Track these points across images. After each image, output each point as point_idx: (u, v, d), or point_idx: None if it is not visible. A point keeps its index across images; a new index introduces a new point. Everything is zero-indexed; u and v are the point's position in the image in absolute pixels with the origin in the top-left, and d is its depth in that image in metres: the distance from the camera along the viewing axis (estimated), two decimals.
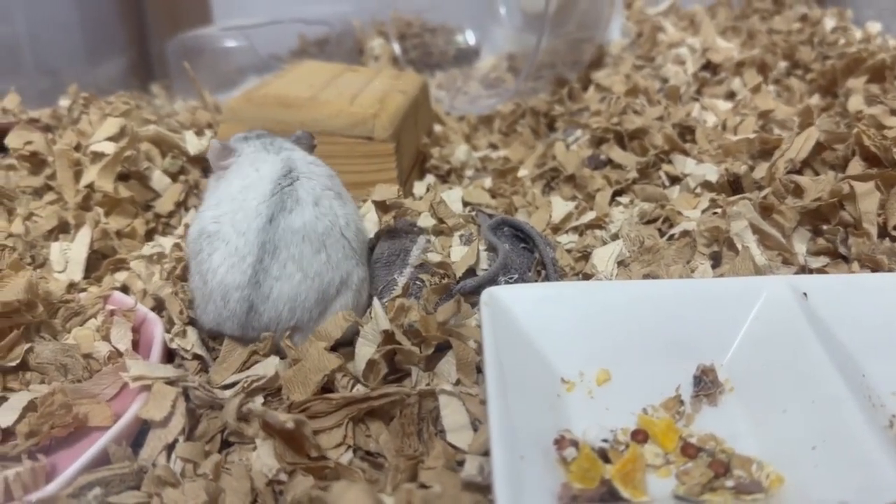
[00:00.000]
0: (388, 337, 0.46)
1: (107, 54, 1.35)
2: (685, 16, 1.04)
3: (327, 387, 0.45)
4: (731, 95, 0.81)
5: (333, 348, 0.47)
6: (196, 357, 0.49)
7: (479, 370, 0.46)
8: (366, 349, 0.46)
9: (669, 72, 0.87)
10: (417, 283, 0.54)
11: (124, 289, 0.56)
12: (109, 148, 0.62)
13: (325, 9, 1.29)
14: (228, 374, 0.47)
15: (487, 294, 0.45)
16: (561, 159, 0.74)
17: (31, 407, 0.45)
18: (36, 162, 0.66)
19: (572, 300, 0.45)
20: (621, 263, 0.55)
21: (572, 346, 0.44)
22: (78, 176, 0.63)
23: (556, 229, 0.65)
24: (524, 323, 0.44)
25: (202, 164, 0.67)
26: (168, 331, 0.50)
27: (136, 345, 0.50)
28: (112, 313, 0.52)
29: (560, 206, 0.66)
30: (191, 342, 0.49)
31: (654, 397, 0.42)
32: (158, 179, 0.63)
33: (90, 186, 0.61)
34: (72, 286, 0.55)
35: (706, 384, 0.42)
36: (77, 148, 0.64)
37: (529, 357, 0.43)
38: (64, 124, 0.76)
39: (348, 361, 0.47)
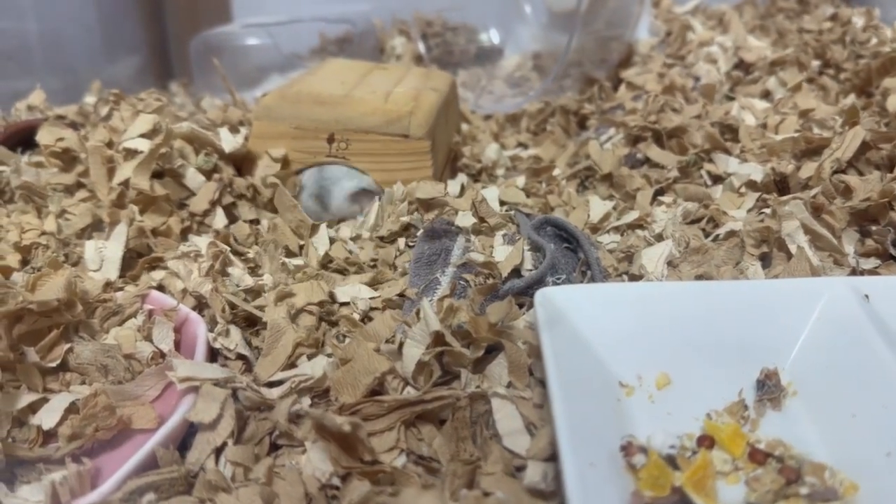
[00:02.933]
0: (438, 338, 0.45)
1: (123, 52, 1.34)
2: (713, 14, 1.03)
3: (375, 389, 0.44)
4: (766, 94, 0.79)
5: None
6: (240, 357, 0.48)
7: (531, 373, 0.45)
8: (415, 350, 0.45)
9: (701, 70, 0.86)
10: (461, 283, 0.53)
11: (160, 288, 0.55)
12: (143, 145, 0.61)
13: (345, 7, 1.29)
14: (274, 368, 0.46)
15: (542, 295, 0.44)
16: (596, 158, 0.72)
17: (72, 409, 0.44)
18: (67, 159, 0.65)
19: (628, 301, 0.44)
20: (670, 264, 0.54)
21: (629, 349, 0.43)
22: (111, 173, 0.61)
23: (595, 229, 0.64)
24: (579, 325, 0.43)
25: (236, 161, 0.66)
26: (211, 330, 0.49)
27: (177, 345, 0.49)
28: (151, 313, 0.51)
29: (598, 206, 0.65)
30: (234, 341, 0.48)
31: (716, 402, 0.41)
32: (192, 177, 0.62)
33: (124, 184, 0.60)
34: (108, 285, 0.54)
35: (770, 388, 0.41)
36: (109, 145, 0.63)
37: (587, 360, 0.42)
38: (92, 121, 0.75)
39: (395, 362, 0.46)
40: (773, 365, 0.42)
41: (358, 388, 0.44)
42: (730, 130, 0.69)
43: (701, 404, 0.41)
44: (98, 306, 0.52)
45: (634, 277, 0.54)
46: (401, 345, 0.47)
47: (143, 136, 0.62)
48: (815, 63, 0.89)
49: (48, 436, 0.44)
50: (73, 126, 0.76)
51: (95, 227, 0.60)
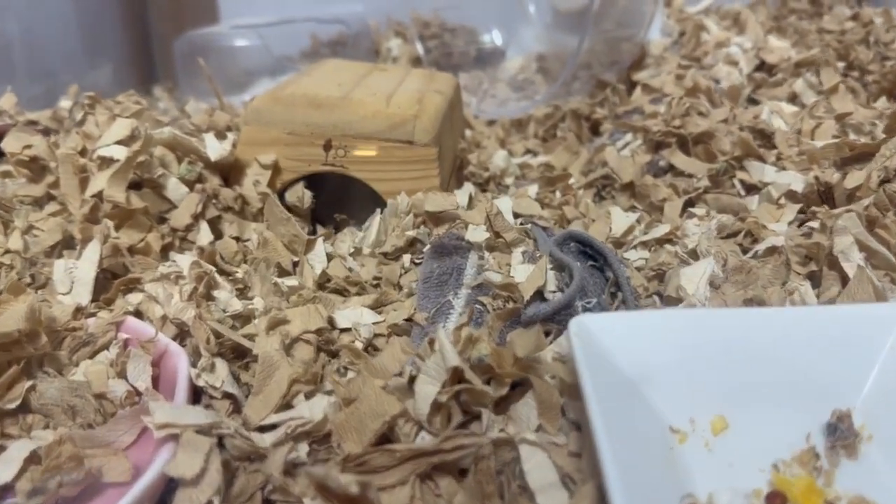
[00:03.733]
0: (456, 374, 0.39)
1: (105, 56, 1.28)
2: (726, 14, 0.98)
3: (384, 434, 0.38)
4: (793, 98, 0.74)
5: None
6: (227, 396, 0.42)
7: (564, 414, 0.39)
8: (429, 388, 0.39)
9: (721, 72, 0.81)
10: (477, 307, 0.47)
11: (137, 314, 0.49)
12: (120, 152, 0.55)
13: (336, 8, 1.23)
14: (266, 410, 0.40)
15: (577, 324, 0.38)
16: (614, 166, 0.67)
17: (33, 458, 0.38)
18: (36, 168, 0.59)
19: (675, 330, 0.38)
20: (710, 285, 0.48)
21: (679, 388, 0.37)
22: (84, 184, 0.55)
23: (619, 244, 0.58)
24: (620, 358, 0.38)
25: (222, 170, 0.60)
26: (194, 364, 0.43)
27: (155, 381, 0.43)
28: (127, 343, 0.45)
29: (620, 218, 0.60)
30: (220, 378, 0.42)
31: (782, 449, 0.35)
32: (174, 188, 0.56)
33: (98, 196, 0.54)
34: (79, 311, 0.48)
35: (843, 432, 0.36)
36: (83, 153, 0.57)
37: (632, 401, 0.36)
38: (66, 127, 0.69)
39: (405, 401, 0.40)
40: (844, 405, 0.37)
41: (364, 434, 0.38)
42: (761, 136, 0.64)
43: (765, 453, 0.35)
44: (67, 335, 0.46)
45: (671, 300, 0.48)
46: (411, 380, 0.41)
47: (119, 142, 0.56)
48: (839, 65, 0.84)
49: (4, 490, 0.38)
50: (46, 132, 0.70)
51: (66, 245, 0.54)
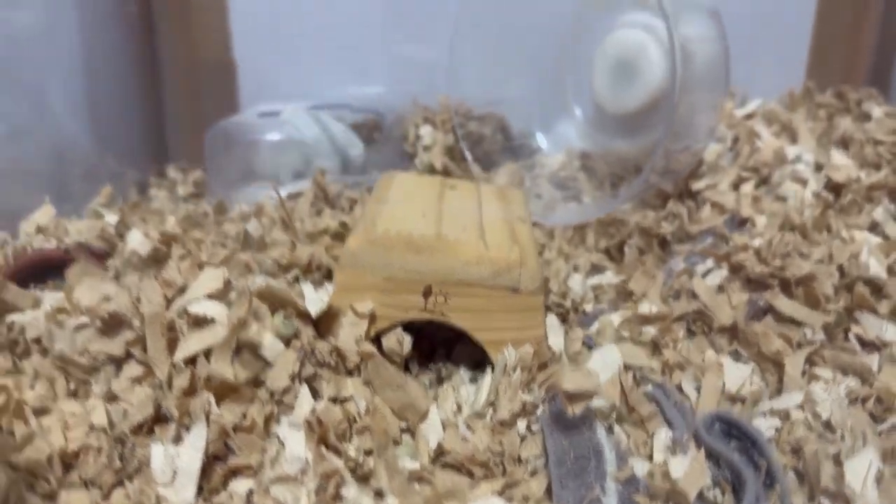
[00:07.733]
0: None
1: (114, 139, 1.22)
2: (772, 118, 0.97)
3: None
4: (873, 226, 0.73)
5: None
6: None
7: None
8: None
9: (789, 190, 0.79)
10: None
11: None
12: (215, 310, 0.50)
13: (355, 90, 1.20)
14: None
15: None
16: (708, 302, 0.64)
17: None
18: (112, 321, 0.53)
19: None
20: None
21: None
22: (172, 345, 0.50)
23: (731, 399, 0.55)
24: None
25: (316, 325, 0.55)
26: None
27: None
28: None
29: (733, 371, 0.57)
30: None
31: None
32: (271, 346, 0.51)
33: (192, 361, 0.49)
34: None
35: None
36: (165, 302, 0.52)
37: None
38: (121, 255, 0.63)
39: None
40: None
41: None
42: (864, 281, 0.62)
43: None
44: None
45: (828, 494, 0.45)
46: None
47: (210, 296, 0.51)
48: None
49: None
50: (105, 257, 0.64)
51: (157, 419, 0.48)
